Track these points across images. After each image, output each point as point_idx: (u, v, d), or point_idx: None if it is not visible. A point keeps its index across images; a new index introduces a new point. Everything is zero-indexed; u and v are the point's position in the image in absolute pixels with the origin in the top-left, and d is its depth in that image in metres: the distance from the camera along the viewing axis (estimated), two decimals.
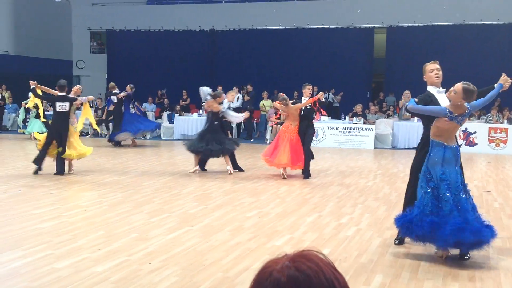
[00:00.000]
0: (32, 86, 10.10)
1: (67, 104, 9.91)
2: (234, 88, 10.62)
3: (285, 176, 10.07)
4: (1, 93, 20.54)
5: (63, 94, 9.98)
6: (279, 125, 16.38)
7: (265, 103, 18.11)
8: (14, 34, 27.35)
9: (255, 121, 18.95)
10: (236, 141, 10.83)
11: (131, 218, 6.73)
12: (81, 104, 10.63)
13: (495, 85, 5.59)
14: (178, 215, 6.95)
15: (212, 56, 24.57)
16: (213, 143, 10.29)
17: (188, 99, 21.12)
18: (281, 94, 10.48)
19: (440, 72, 5.78)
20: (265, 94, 18.32)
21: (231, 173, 10.37)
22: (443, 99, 5.57)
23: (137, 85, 24.06)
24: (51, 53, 28.77)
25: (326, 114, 15.83)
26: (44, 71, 25.52)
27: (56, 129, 9.92)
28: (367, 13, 21.83)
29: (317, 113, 13.04)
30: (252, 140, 17.63)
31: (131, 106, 16.30)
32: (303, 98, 10.49)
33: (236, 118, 11.34)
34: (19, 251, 5.24)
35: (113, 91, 15.65)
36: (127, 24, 26.06)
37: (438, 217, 5.08)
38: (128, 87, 15.58)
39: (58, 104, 9.92)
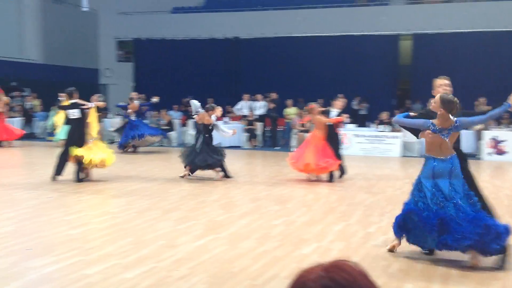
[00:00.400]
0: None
1: (77, 111, 10.05)
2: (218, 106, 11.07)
3: (313, 179, 10.48)
4: (32, 101, 20.92)
5: (74, 101, 10.13)
6: (303, 133, 16.38)
7: (290, 110, 18.10)
8: (43, 44, 27.85)
9: (280, 129, 18.94)
10: (223, 151, 11.01)
11: (159, 225, 6.79)
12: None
13: (505, 102, 5.49)
14: (205, 223, 6.98)
15: (236, 64, 24.69)
16: (211, 156, 10.56)
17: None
18: (311, 104, 10.78)
19: (449, 88, 5.78)
20: (289, 101, 18.29)
21: (226, 177, 10.77)
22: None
23: (163, 93, 24.26)
24: (79, 61, 29.25)
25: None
26: (71, 80, 25.89)
27: (71, 136, 10.09)
28: (392, 20, 21.73)
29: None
30: (277, 147, 17.63)
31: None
32: (333, 109, 10.84)
33: (226, 133, 11.45)
34: (51, 256, 5.32)
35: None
36: (153, 33, 26.35)
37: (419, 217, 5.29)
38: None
39: (69, 111, 10.12)
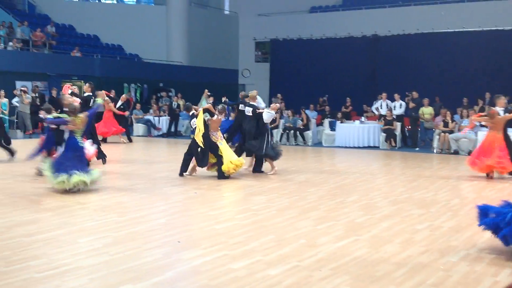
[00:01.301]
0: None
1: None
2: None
3: (492, 177, 10.79)
4: (177, 101, 22.22)
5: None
6: (447, 134, 15.63)
7: (425, 110, 17.28)
8: (187, 46, 29.41)
9: (419, 129, 18.24)
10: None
11: (299, 224, 6.85)
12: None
13: None
14: (345, 224, 6.92)
15: (375, 62, 24.19)
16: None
17: (350, 107, 21.02)
18: (493, 109, 11.00)
19: None
20: (426, 100, 17.41)
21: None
22: None
23: (299, 92, 24.63)
24: (220, 63, 30.50)
25: None
26: (212, 80, 27.15)
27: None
28: None
29: None
30: (417, 148, 17.00)
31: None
32: (498, 108, 11.27)
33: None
34: (198, 250, 5.59)
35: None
36: (290, 33, 26.71)
37: None
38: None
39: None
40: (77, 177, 8.41)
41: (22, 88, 20.15)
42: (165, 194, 8.78)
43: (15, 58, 22.66)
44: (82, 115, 8.90)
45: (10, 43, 23.35)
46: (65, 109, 9.83)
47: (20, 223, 6.64)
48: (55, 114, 9.77)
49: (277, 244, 5.88)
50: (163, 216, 7.22)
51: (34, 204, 7.80)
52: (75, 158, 8.68)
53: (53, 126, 9.59)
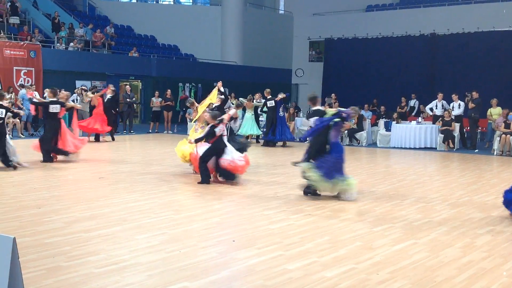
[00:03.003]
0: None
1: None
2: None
3: None
4: (230, 101, 22.33)
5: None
6: (508, 135, 15.09)
7: (493, 111, 16.70)
8: (241, 46, 29.58)
9: (479, 130, 17.66)
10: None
11: (354, 226, 6.75)
12: None
13: None
14: (402, 226, 6.76)
15: (432, 62, 23.58)
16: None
17: (405, 107, 20.58)
18: None
19: None
20: (494, 101, 16.82)
21: None
22: None
23: (352, 92, 24.31)
24: (273, 62, 30.52)
25: None
26: (266, 80, 27.19)
27: None
28: None
29: None
30: (476, 150, 16.45)
31: None
32: None
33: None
34: (254, 249, 5.59)
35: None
36: (345, 32, 26.41)
37: None
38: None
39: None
40: (341, 182, 8.37)
41: (83, 87, 20.78)
42: (219, 193, 8.83)
43: (75, 58, 23.39)
44: None
45: (71, 44, 24.12)
46: None
47: (80, 219, 6.82)
48: None
49: (332, 245, 5.80)
50: (217, 215, 7.26)
51: (93, 201, 8.00)
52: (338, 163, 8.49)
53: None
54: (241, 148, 10.71)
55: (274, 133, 16.98)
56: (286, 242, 5.87)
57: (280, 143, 17.30)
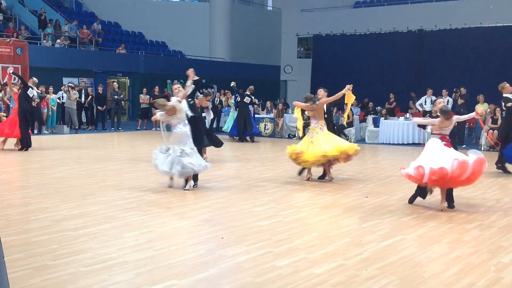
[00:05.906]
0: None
1: None
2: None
3: None
4: (219, 98, 22.29)
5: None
6: (495, 131, 15.18)
7: (480, 107, 16.81)
8: (230, 43, 29.49)
9: (467, 126, 17.77)
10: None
11: (343, 222, 6.76)
12: None
13: None
14: (390, 222, 6.78)
15: (420, 58, 23.70)
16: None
17: (394, 103, 20.65)
18: None
19: None
20: (481, 97, 16.92)
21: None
22: None
23: (340, 88, 24.25)
24: (262, 59, 30.44)
25: None
26: (254, 76, 27.14)
27: None
28: None
29: None
30: (464, 146, 16.53)
31: None
32: None
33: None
34: (242, 246, 5.57)
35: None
36: (333, 29, 26.45)
37: None
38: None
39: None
40: None
41: (70, 84, 20.60)
42: (208, 191, 8.81)
43: (62, 55, 23.20)
44: None
45: (58, 41, 23.92)
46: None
47: (67, 217, 6.76)
48: None
49: (321, 242, 5.80)
50: (206, 212, 7.24)
51: (80, 199, 7.94)
52: None
53: None
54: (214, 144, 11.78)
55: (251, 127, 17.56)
56: (275, 239, 5.86)
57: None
